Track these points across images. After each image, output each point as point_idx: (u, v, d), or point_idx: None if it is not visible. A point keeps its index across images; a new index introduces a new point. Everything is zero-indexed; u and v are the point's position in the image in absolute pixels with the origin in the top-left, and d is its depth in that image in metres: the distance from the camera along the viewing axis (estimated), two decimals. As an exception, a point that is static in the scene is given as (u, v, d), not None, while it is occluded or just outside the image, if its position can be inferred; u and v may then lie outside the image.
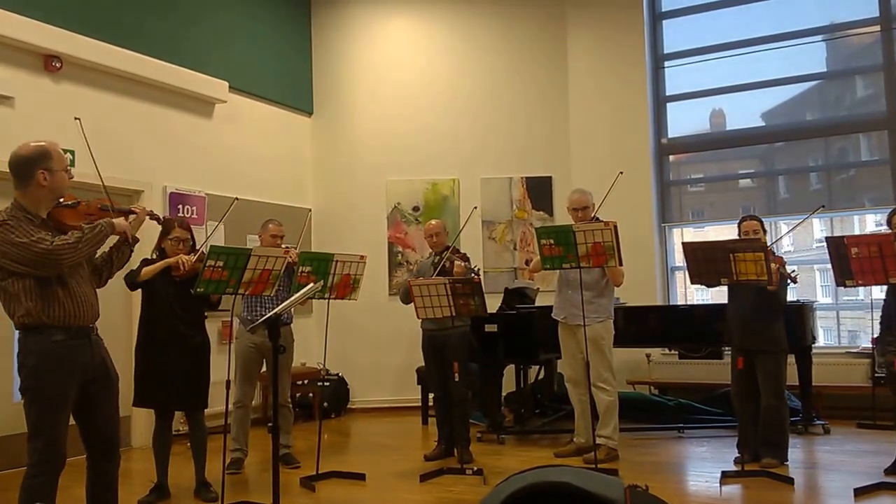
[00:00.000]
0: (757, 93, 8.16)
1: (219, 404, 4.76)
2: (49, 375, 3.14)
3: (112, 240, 3.51)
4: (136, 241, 3.68)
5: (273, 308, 4.64)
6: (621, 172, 5.49)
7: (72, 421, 3.29)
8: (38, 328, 3.16)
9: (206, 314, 4.92)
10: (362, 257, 5.30)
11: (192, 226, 5.01)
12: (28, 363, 3.17)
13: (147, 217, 3.85)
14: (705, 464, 5.44)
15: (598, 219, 5.33)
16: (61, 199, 3.35)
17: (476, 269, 5.72)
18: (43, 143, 3.26)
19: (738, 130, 8.34)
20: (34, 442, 3.15)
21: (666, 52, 8.65)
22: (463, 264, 5.56)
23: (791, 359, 5.88)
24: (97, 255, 3.55)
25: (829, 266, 4.66)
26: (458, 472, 5.15)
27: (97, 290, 3.50)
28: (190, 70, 7.16)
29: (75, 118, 3.88)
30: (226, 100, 7.56)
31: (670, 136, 8.62)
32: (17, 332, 3.24)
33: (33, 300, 3.13)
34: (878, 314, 5.37)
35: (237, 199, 4.72)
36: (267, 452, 5.40)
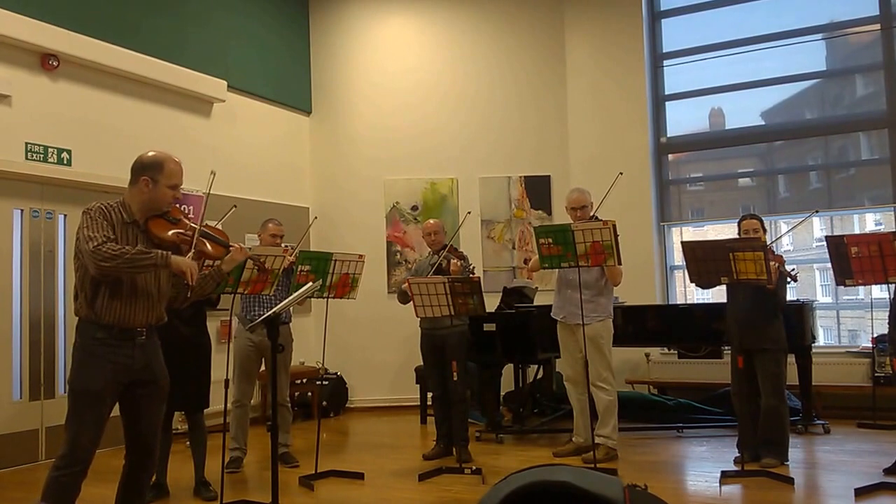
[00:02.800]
0: (756, 91, 8.16)
1: (218, 403, 4.75)
2: (82, 370, 3.22)
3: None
4: (225, 276, 3.61)
5: (272, 307, 4.64)
6: (621, 173, 5.47)
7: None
8: (85, 322, 3.25)
9: (206, 313, 4.92)
10: (361, 256, 5.30)
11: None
12: (73, 356, 3.28)
13: (247, 259, 3.76)
14: (705, 463, 5.42)
15: (596, 218, 5.32)
16: (168, 212, 3.40)
17: (472, 267, 5.71)
18: (162, 156, 3.40)
19: (738, 129, 8.33)
20: (65, 434, 3.23)
21: (665, 50, 8.64)
22: (459, 263, 5.55)
23: (791, 358, 5.87)
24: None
25: (829, 265, 4.66)
26: (456, 472, 5.14)
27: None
28: (188, 69, 7.15)
29: (211, 172, 3.81)
30: (224, 99, 7.55)
31: (669, 134, 8.61)
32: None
33: (84, 292, 3.24)
34: (878, 313, 5.36)
35: (235, 206, 4.69)
36: (266, 451, 5.40)
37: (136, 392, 3.32)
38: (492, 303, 6.67)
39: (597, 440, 5.35)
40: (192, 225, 3.47)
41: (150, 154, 3.40)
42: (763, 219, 5.35)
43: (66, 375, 3.52)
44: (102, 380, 3.21)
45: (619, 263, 4.99)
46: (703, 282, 5.07)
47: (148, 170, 3.33)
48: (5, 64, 5.80)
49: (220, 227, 4.10)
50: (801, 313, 6.22)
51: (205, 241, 3.48)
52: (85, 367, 3.21)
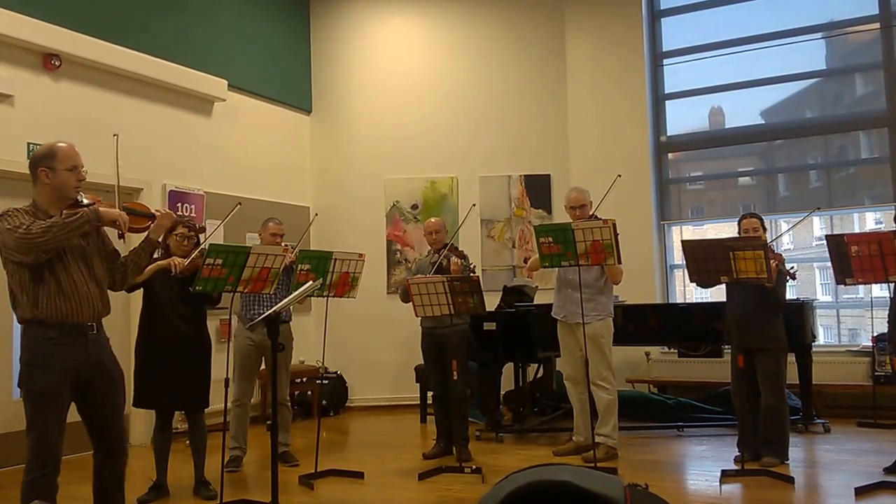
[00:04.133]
0: (756, 90, 8.15)
1: (218, 402, 4.75)
2: (38, 371, 3.19)
3: (132, 243, 3.50)
4: (156, 244, 3.64)
5: (271, 306, 4.64)
6: (619, 175, 5.44)
7: (77, 419, 3.35)
8: (33, 324, 3.22)
9: (206, 312, 4.92)
10: (361, 255, 5.29)
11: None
12: (22, 358, 3.25)
13: (174, 223, 3.78)
14: (705, 463, 5.43)
15: (596, 217, 5.32)
16: (81, 199, 3.37)
17: (472, 266, 5.71)
18: (52, 144, 3.35)
19: (738, 128, 8.33)
20: (28, 437, 3.22)
21: (665, 49, 8.64)
22: (459, 262, 5.54)
23: (791, 357, 5.88)
24: (120, 257, 3.57)
25: (829, 264, 4.66)
26: (456, 471, 5.14)
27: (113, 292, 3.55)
28: (189, 68, 7.15)
29: (114, 135, 3.83)
30: (225, 98, 7.55)
31: (669, 133, 8.61)
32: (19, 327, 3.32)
33: (26, 295, 3.20)
34: (878, 312, 5.36)
35: (240, 203, 4.70)
36: (266, 450, 5.40)
37: (92, 389, 3.32)
38: (492, 302, 6.67)
39: (597, 439, 5.35)
40: (109, 203, 3.48)
41: (40, 147, 3.38)
42: (763, 217, 5.36)
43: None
44: (60, 378, 3.20)
45: (619, 262, 4.99)
46: (703, 281, 5.07)
47: (42, 161, 3.29)
48: (8, 64, 5.80)
49: (222, 228, 4.13)
50: (801, 312, 6.22)
51: (127, 216, 3.50)
52: (40, 368, 3.19)
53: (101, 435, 3.39)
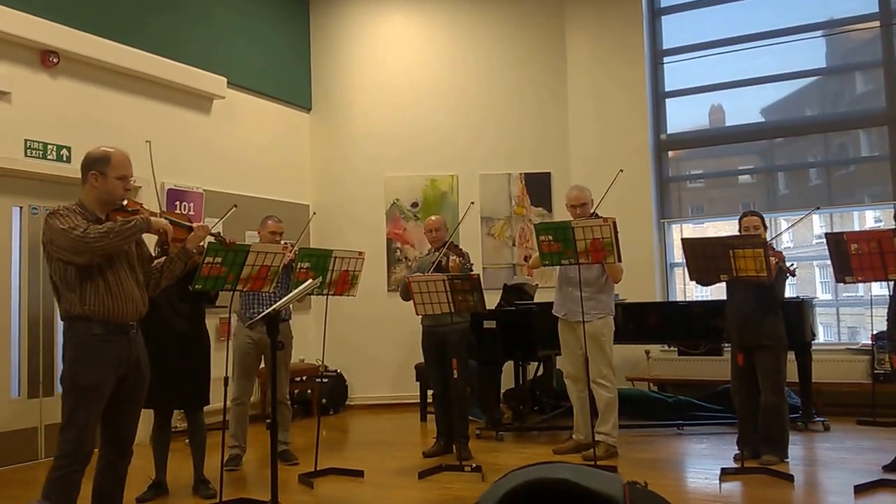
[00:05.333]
0: (756, 89, 8.15)
1: (217, 401, 4.75)
2: (84, 367, 3.25)
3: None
4: (192, 255, 3.70)
5: (271, 304, 4.63)
6: (621, 170, 5.45)
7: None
8: (79, 320, 3.28)
9: (205, 310, 4.91)
10: (361, 253, 5.28)
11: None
12: (67, 355, 3.32)
13: (209, 237, 3.84)
14: (705, 461, 5.42)
15: (596, 215, 5.32)
16: (125, 204, 3.46)
17: (471, 265, 5.71)
18: (108, 149, 3.43)
19: (738, 126, 8.33)
20: (65, 433, 3.24)
21: (665, 47, 8.63)
22: (458, 260, 5.54)
23: (791, 355, 5.87)
24: (153, 263, 3.65)
25: (829, 262, 4.65)
26: (456, 469, 5.14)
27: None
28: (188, 66, 7.14)
29: (146, 141, 3.90)
30: (224, 96, 7.54)
31: (669, 131, 8.60)
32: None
33: (74, 291, 3.27)
34: (877, 311, 5.35)
35: (235, 206, 4.69)
36: (265, 449, 5.39)
37: (124, 386, 3.37)
38: (492, 300, 6.66)
39: (597, 437, 5.35)
40: (152, 212, 3.56)
41: (96, 150, 3.44)
42: (763, 215, 5.35)
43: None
44: (104, 374, 3.26)
45: (620, 260, 4.98)
46: (703, 279, 5.07)
47: (95, 164, 3.38)
48: (5, 61, 5.79)
49: (220, 225, 4.14)
50: (801, 310, 6.22)
51: (178, 229, 3.60)
52: (86, 363, 3.24)
53: (115, 432, 3.42)
